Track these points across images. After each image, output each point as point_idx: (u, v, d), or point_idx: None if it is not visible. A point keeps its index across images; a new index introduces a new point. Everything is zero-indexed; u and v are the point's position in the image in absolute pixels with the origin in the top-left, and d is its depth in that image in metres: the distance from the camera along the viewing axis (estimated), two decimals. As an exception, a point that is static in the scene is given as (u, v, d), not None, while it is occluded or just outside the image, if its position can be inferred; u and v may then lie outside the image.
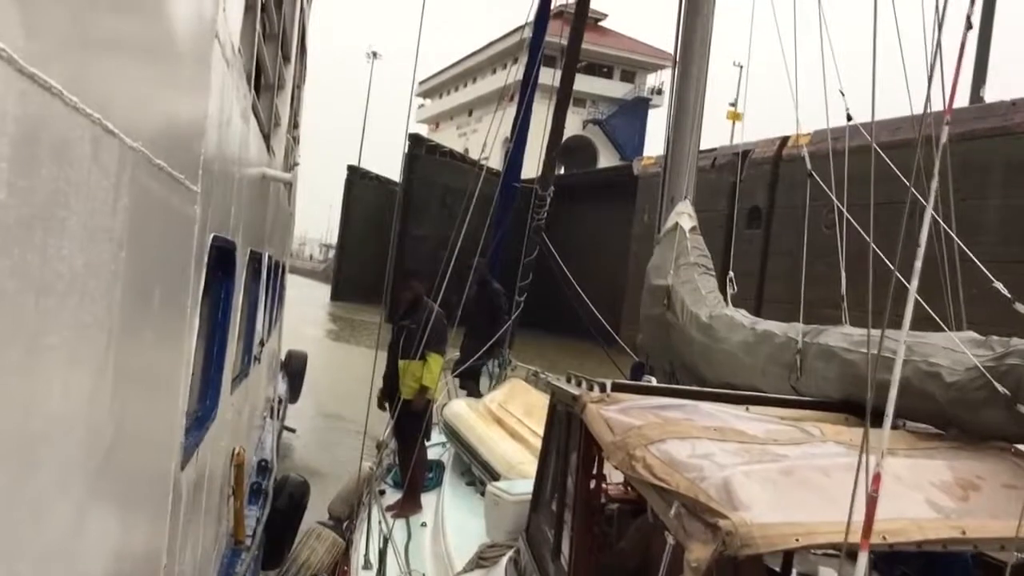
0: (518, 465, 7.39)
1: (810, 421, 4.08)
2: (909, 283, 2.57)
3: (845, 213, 5.93)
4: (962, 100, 28.62)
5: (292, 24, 8.50)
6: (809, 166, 6.41)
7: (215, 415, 4.50)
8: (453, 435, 8.94)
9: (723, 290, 6.66)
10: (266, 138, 6.63)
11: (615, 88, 78.09)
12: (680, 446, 3.39)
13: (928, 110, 3.28)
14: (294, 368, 16.82)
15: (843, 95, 6.68)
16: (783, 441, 3.62)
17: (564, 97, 11.13)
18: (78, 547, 1.98)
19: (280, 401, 13.57)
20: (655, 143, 73.36)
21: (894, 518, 2.91)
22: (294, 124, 10.88)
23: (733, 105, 63.69)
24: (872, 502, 2.42)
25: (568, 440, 4.54)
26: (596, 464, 4.19)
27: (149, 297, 2.48)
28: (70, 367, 1.74)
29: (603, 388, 4.25)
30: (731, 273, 6.81)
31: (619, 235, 45.73)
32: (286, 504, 8.39)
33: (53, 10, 1.49)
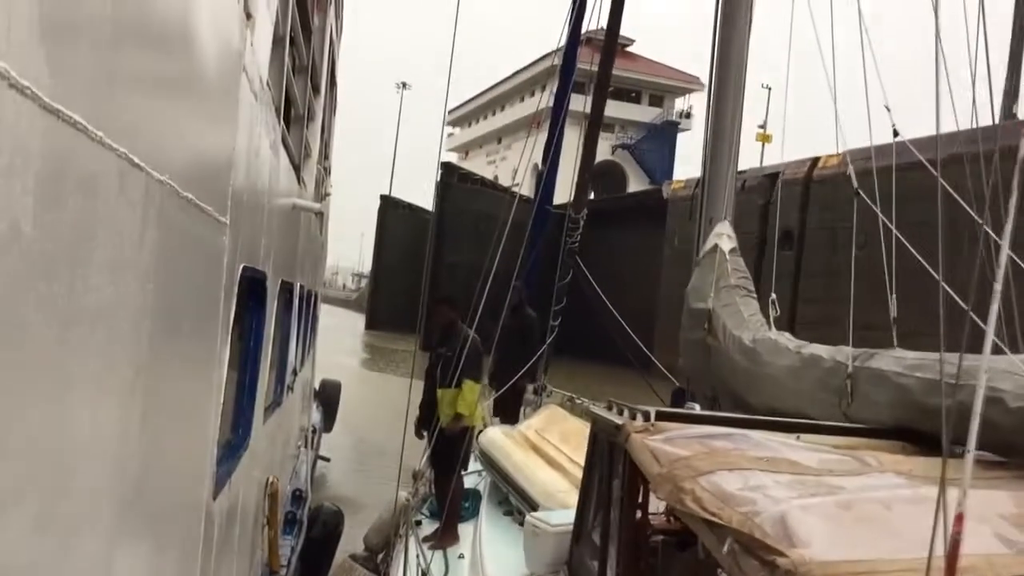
0: (557, 494, 7.21)
1: (864, 450, 3.92)
2: (990, 305, 2.44)
3: (895, 232, 5.79)
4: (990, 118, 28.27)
5: (321, 56, 8.59)
6: (856, 184, 6.23)
7: (248, 444, 4.52)
8: (489, 463, 8.73)
9: (764, 313, 6.51)
10: (296, 169, 6.68)
11: (644, 113, 78.10)
12: (731, 478, 3.25)
13: (976, 125, 3.23)
14: (328, 397, 16.84)
15: (889, 110, 6.58)
16: (838, 472, 3.47)
17: (596, 120, 11.13)
18: (110, 575, 1.99)
19: (314, 430, 13.58)
20: (684, 167, 73.37)
21: (964, 554, 2.68)
22: (325, 155, 10.96)
23: (762, 127, 63.59)
24: (956, 546, 2.29)
25: (611, 470, 4.40)
26: (641, 495, 4.07)
27: (178, 328, 2.50)
28: (99, 399, 1.76)
29: (647, 417, 4.14)
30: (773, 295, 6.59)
31: (649, 259, 45.61)
32: (321, 533, 8.39)
33: (78, 47, 1.52)
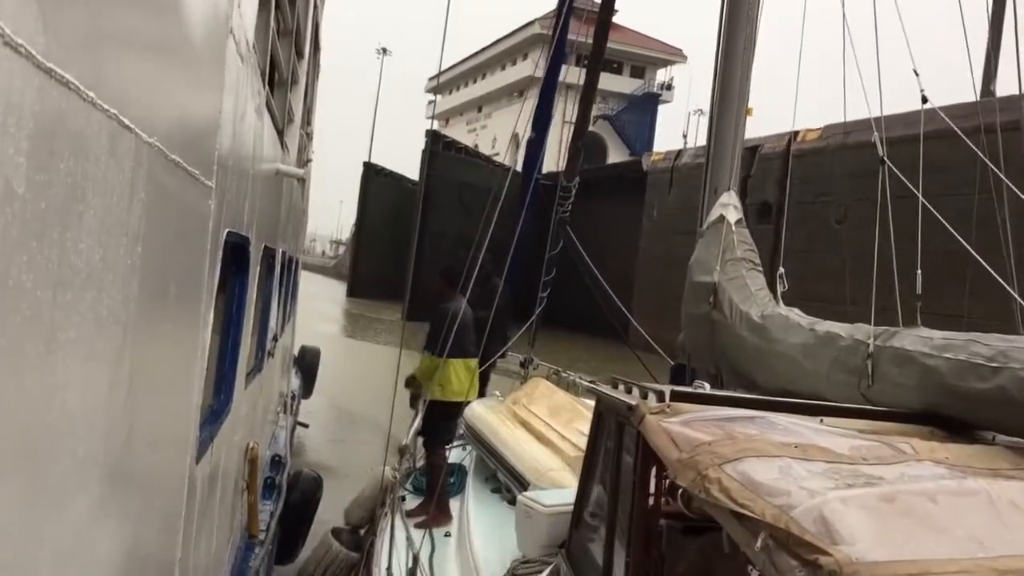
0: (548, 472, 7.05)
1: (894, 435, 3.72)
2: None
3: (924, 203, 5.43)
4: (970, 94, 28.42)
5: (306, 20, 8.52)
6: (883, 152, 5.70)
7: (229, 409, 4.52)
8: (475, 437, 8.58)
9: (771, 288, 6.22)
10: (280, 134, 6.64)
11: (625, 84, 78.05)
12: (759, 466, 3.07)
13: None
14: (307, 364, 16.86)
15: (917, 75, 6.16)
16: (872, 460, 3.27)
17: (591, 86, 10.98)
18: (95, 540, 2.00)
19: (293, 396, 13.60)
20: (664, 138, 73.40)
21: (1019, 554, 2.57)
22: (307, 120, 10.89)
23: (744, 100, 63.35)
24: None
25: (619, 453, 4.20)
26: (654, 480, 3.86)
27: (165, 292, 2.49)
28: (87, 361, 1.76)
29: (661, 397, 3.93)
30: (782, 269, 6.23)
31: (629, 231, 45.74)
32: (299, 499, 8.41)
33: (70, 6, 1.50)
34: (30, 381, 1.45)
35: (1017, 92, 5.52)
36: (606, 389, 4.57)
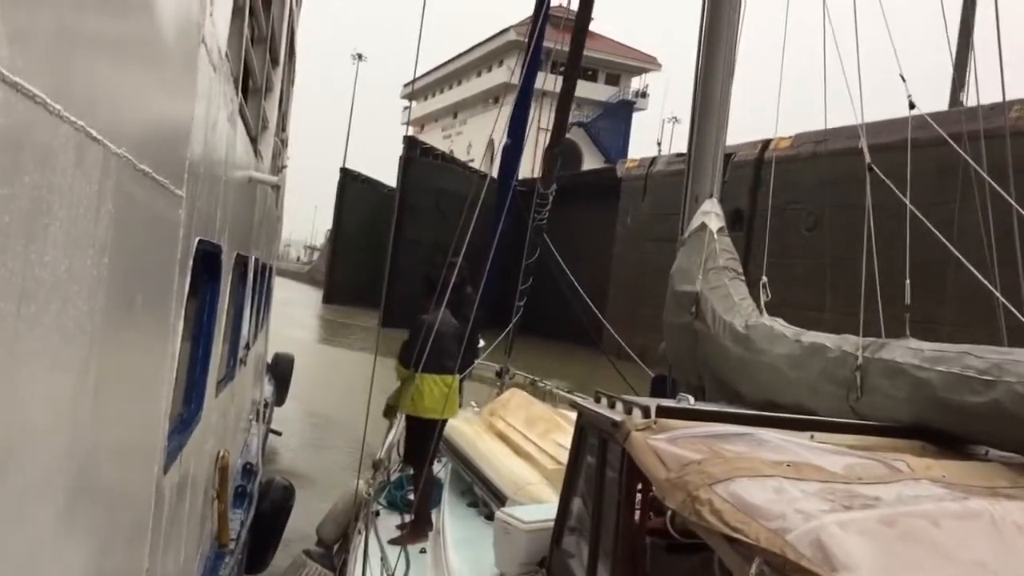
0: (526, 487, 6.89)
1: (887, 451, 3.63)
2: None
3: (912, 210, 5.27)
4: (942, 104, 28.81)
5: (280, 27, 8.49)
6: (868, 159, 5.59)
7: (199, 418, 4.49)
8: (451, 450, 8.34)
9: (753, 297, 6.12)
10: (253, 141, 6.61)
11: (600, 91, 78.34)
12: (751, 487, 2.94)
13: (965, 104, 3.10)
14: (281, 371, 16.79)
15: (904, 80, 6.08)
16: (867, 479, 3.16)
17: (569, 91, 10.91)
18: (59, 550, 1.98)
19: (266, 404, 13.53)
20: (639, 146, 73.71)
21: None
22: (282, 127, 10.85)
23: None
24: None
25: (602, 469, 4.09)
26: (640, 499, 3.78)
27: (132, 301, 2.48)
28: (52, 372, 1.75)
29: (647, 413, 3.80)
30: (764, 278, 6.12)
31: (603, 238, 45.86)
32: (270, 507, 8.36)
33: (37, 17, 1.50)
34: None
35: (977, 103, 5.59)
36: (588, 403, 4.47)
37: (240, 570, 7.20)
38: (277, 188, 8.98)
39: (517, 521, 5.58)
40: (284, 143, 11.64)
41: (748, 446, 3.44)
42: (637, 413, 3.83)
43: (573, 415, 8.35)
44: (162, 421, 3.27)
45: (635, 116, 79.46)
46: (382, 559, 6.53)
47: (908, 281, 5.04)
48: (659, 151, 62.38)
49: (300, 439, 16.88)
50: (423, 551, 6.99)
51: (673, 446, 3.38)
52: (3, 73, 1.31)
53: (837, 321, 5.33)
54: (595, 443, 4.27)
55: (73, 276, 1.79)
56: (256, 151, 6.86)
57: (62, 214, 1.67)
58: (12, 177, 1.41)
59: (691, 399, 4.39)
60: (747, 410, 4.59)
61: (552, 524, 4.97)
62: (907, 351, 4.31)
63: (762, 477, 3.03)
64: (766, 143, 35.20)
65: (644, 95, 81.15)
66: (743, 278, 6.21)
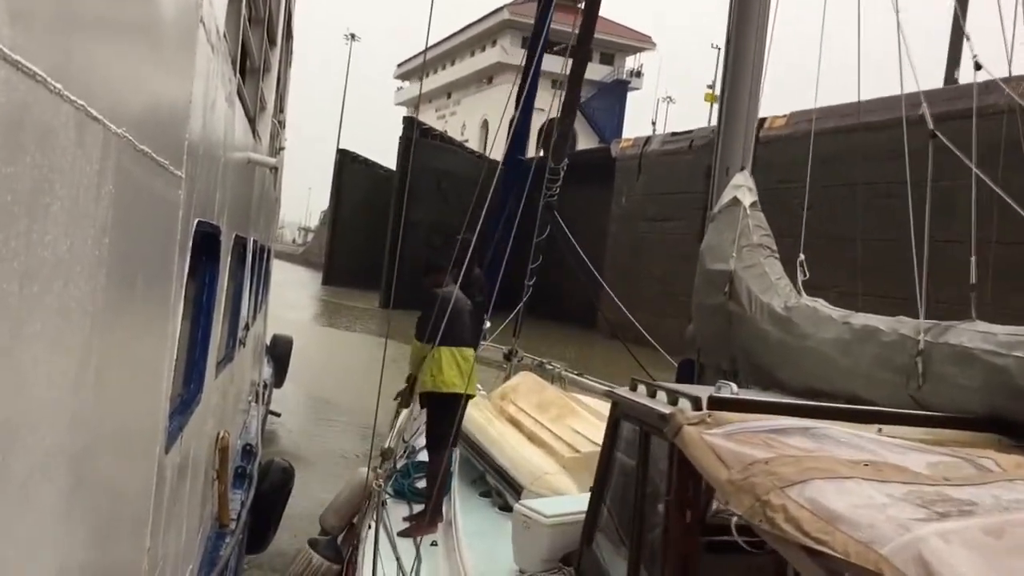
0: (543, 476, 6.56)
1: (962, 446, 3.34)
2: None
3: (983, 181, 4.62)
4: (936, 82, 28.79)
5: (278, 7, 8.45)
6: (931, 125, 4.95)
7: (200, 399, 4.50)
8: (462, 436, 7.79)
9: (790, 276, 5.70)
10: (252, 122, 6.60)
11: (595, 71, 77.93)
12: (830, 490, 2.62)
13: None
14: (279, 352, 16.80)
15: (968, 39, 5.47)
16: (957, 480, 2.83)
17: (582, 60, 10.57)
18: (63, 530, 1.99)
19: (265, 385, 13.55)
20: (633, 125, 73.59)
21: None
22: (280, 108, 10.81)
23: (711, 87, 63.93)
24: None
25: (645, 466, 3.80)
26: (693, 498, 3.44)
27: (133, 282, 2.49)
28: (54, 353, 1.76)
29: (697, 404, 3.48)
30: (801, 256, 5.64)
31: (597, 217, 45.87)
32: (270, 488, 8.37)
33: None
34: None
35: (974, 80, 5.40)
36: (625, 393, 4.18)
37: (241, 550, 7.23)
38: (275, 170, 8.96)
39: (538, 515, 5.29)
40: (282, 124, 11.61)
41: (816, 442, 3.16)
42: (685, 404, 3.54)
43: (586, 399, 8.32)
44: (163, 402, 3.28)
45: (629, 96, 79.27)
46: (393, 552, 6.21)
47: (973, 258, 4.55)
48: (654, 131, 62.38)
49: (299, 420, 16.91)
50: (434, 544, 6.65)
51: (732, 442, 3.08)
52: (4, 51, 1.31)
53: (832, 301, 5.13)
54: (635, 436, 3.96)
55: (75, 256, 1.79)
56: (254, 132, 6.85)
57: (63, 194, 1.68)
58: (14, 156, 1.41)
59: (734, 387, 4.00)
60: (804, 400, 4.28)
61: (576, 518, 4.75)
62: (976, 335, 3.96)
63: (840, 479, 2.73)
64: (762, 122, 35.16)
65: (639, 74, 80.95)
66: (778, 256, 5.82)
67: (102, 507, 2.45)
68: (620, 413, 4.23)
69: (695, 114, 69.87)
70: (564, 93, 10.39)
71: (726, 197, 6.10)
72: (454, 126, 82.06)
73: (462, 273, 7.28)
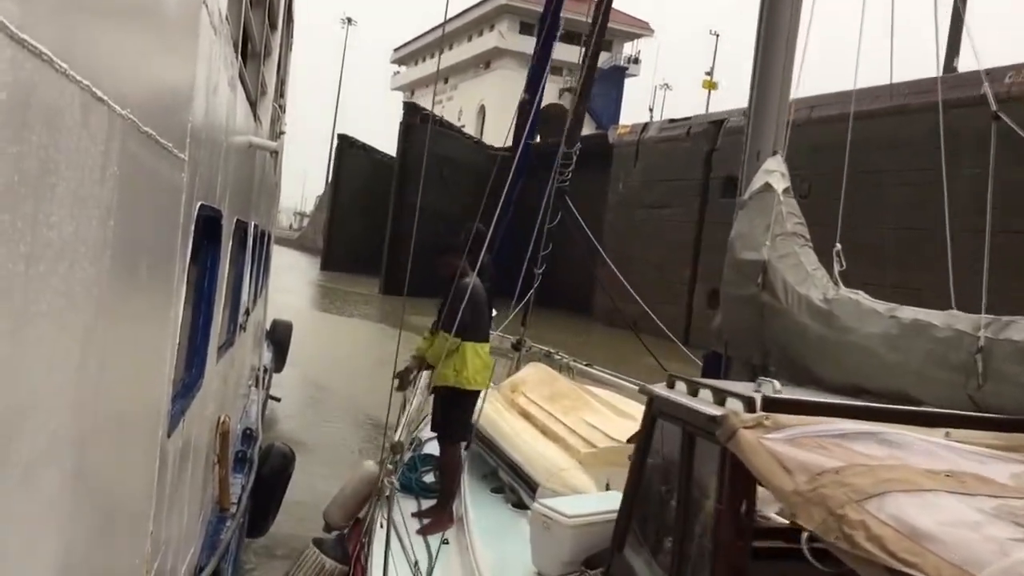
0: (559, 473, 6.29)
1: None
2: None
3: None
4: (912, 74, 28.73)
5: None
6: (994, 106, 4.77)
7: (201, 383, 4.51)
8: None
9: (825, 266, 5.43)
10: (253, 106, 6.58)
11: (593, 56, 77.83)
12: (912, 505, 2.40)
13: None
14: (279, 337, 16.81)
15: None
16: None
17: (598, 41, 10.27)
18: (67, 514, 2.00)
19: (265, 370, 13.56)
20: (630, 112, 73.52)
21: None
22: (280, 92, 10.79)
23: (709, 74, 63.88)
24: None
25: (689, 470, 3.53)
26: (747, 506, 3.16)
27: (137, 265, 2.48)
28: (59, 334, 1.76)
29: (751, 405, 3.24)
30: (838, 245, 5.34)
31: (594, 204, 45.83)
32: (271, 472, 8.38)
33: None
34: (2, 353, 1.44)
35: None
36: (661, 390, 3.94)
37: (241, 534, 7.25)
38: (275, 154, 8.94)
39: (559, 515, 5.02)
40: (282, 109, 11.58)
41: (883, 448, 2.91)
42: (736, 404, 3.30)
43: (598, 391, 8.13)
44: (166, 385, 3.28)
45: (627, 82, 79.12)
46: (403, 552, 5.89)
47: None
48: (651, 117, 62.33)
49: (299, 405, 16.92)
50: (445, 542, 6.32)
51: (796, 448, 2.84)
52: (11, 29, 1.30)
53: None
54: (676, 437, 3.67)
55: (80, 238, 1.79)
56: (255, 116, 6.83)
57: (69, 175, 1.67)
58: (20, 136, 1.41)
59: (776, 384, 3.70)
60: (847, 397, 4.03)
61: (599, 519, 4.62)
62: None
63: (921, 492, 2.51)
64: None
65: (636, 61, 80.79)
66: (811, 245, 5.53)
67: (106, 491, 2.45)
68: (657, 411, 3.97)
69: (692, 102, 69.89)
70: (578, 77, 10.15)
71: (757, 183, 5.77)
72: (451, 111, 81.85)
73: (479, 262, 6.95)
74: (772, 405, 3.25)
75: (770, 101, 5.90)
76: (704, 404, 3.50)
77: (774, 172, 5.71)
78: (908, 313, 4.43)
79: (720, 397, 3.44)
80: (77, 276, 1.80)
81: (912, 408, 3.67)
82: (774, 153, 5.84)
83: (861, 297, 4.84)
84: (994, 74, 23.65)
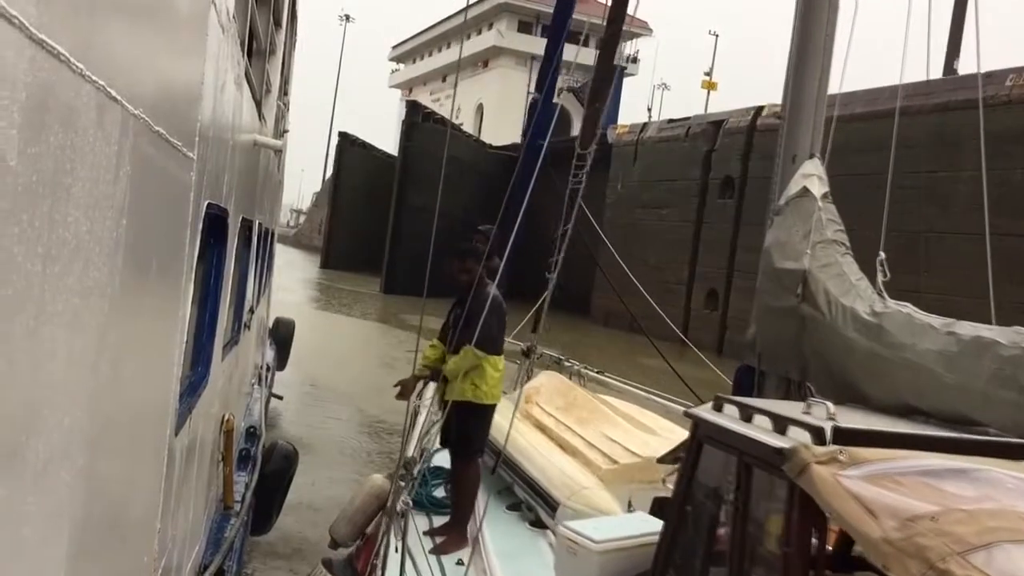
0: (581, 491, 5.98)
1: None
2: None
3: None
4: (935, 73, 28.77)
5: None
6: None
7: (207, 381, 4.52)
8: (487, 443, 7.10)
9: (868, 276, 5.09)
10: (258, 105, 6.59)
11: (590, 56, 77.55)
12: (1021, 556, 2.19)
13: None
14: (282, 336, 16.81)
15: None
16: None
17: (614, 38, 10.22)
18: (77, 510, 2.00)
19: (268, 368, 13.57)
20: (629, 112, 73.45)
21: None
22: (284, 91, 10.79)
23: (708, 75, 63.88)
24: None
25: (746, 504, 3.21)
26: (818, 548, 2.88)
27: (147, 265, 2.50)
28: (74, 333, 1.77)
29: (820, 436, 2.91)
30: (881, 254, 4.99)
31: (593, 204, 45.77)
32: (274, 470, 8.39)
33: None
34: (20, 353, 1.45)
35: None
36: (707, 414, 3.68)
37: (245, 532, 7.26)
38: (279, 152, 8.95)
39: (587, 540, 4.68)
40: (286, 107, 11.59)
41: (976, 488, 2.64)
42: (802, 435, 2.98)
43: (614, 401, 7.87)
44: (174, 383, 3.30)
45: (625, 82, 79.06)
46: (418, 574, 5.56)
47: None
48: (649, 117, 62.32)
49: (302, 403, 16.92)
50: (460, 563, 5.97)
51: (878, 488, 2.57)
52: (30, 30, 1.31)
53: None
54: (728, 466, 3.39)
55: (94, 237, 1.80)
56: (260, 115, 6.84)
57: (84, 174, 1.68)
58: (39, 135, 1.42)
59: (830, 406, 3.35)
60: (935, 432, 3.63)
61: (629, 543, 4.41)
62: None
63: None
64: (759, 109, 35.27)
65: (635, 60, 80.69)
66: (852, 254, 5.17)
67: (116, 488, 2.46)
68: (703, 437, 3.66)
69: (691, 101, 69.92)
70: (592, 77, 10.08)
71: (794, 188, 5.41)
72: (449, 109, 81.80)
73: (499, 270, 6.67)
74: (843, 436, 2.94)
75: (806, 103, 5.59)
76: (762, 432, 3.22)
77: (812, 176, 5.39)
78: (967, 329, 4.13)
79: (781, 425, 3.15)
80: (91, 276, 1.81)
81: (996, 439, 3.40)
82: (811, 156, 5.53)
83: (912, 310, 4.54)
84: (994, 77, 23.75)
